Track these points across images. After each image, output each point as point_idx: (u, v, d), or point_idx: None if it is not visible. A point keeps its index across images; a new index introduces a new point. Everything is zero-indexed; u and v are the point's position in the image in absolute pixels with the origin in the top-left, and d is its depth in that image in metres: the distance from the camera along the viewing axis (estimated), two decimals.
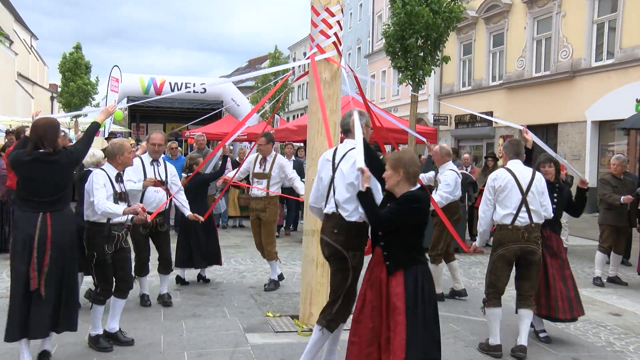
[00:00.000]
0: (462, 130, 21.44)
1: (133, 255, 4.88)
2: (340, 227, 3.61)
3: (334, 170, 3.75)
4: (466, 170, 9.57)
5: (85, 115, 17.68)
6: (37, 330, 3.74)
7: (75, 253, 3.92)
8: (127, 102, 21.44)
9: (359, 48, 34.81)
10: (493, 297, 4.41)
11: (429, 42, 10.27)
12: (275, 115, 16.55)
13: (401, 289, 3.05)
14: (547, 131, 17.59)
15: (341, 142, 3.97)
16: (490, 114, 19.41)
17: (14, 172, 3.93)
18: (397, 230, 3.10)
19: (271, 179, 6.32)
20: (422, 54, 10.29)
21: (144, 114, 22.74)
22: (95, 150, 5.05)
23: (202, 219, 5.74)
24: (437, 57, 10.60)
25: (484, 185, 4.98)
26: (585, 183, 5.00)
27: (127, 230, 4.35)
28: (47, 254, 3.72)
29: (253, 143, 15.63)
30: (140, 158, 5.51)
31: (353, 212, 3.61)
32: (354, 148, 3.60)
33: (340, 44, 4.90)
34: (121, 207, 4.08)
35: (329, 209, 3.72)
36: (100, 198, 4.04)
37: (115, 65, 18.15)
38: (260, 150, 6.40)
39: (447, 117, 21.84)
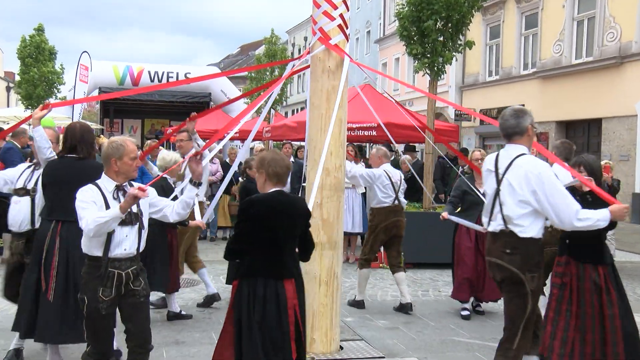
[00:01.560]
0: (488, 127, 21.45)
1: None
2: (514, 245, 3.66)
3: (499, 182, 3.83)
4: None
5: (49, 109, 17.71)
6: (43, 333, 4.31)
7: None
8: (100, 94, 21.57)
9: (369, 32, 34.93)
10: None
11: (449, 25, 10.29)
12: (271, 109, 16.63)
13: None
14: (589, 128, 17.60)
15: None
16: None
17: (43, 178, 4.48)
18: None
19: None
20: (441, 38, 10.30)
21: (119, 108, 22.83)
22: (167, 152, 5.70)
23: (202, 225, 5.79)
24: (459, 42, 10.63)
25: None
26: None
27: (139, 267, 3.65)
28: (55, 259, 4.27)
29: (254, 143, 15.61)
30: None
31: (529, 227, 3.66)
32: (522, 155, 3.78)
33: (347, 27, 4.95)
34: (112, 209, 3.46)
35: (496, 226, 3.78)
36: (89, 218, 3.40)
37: (84, 51, 18.24)
38: (180, 148, 6.47)
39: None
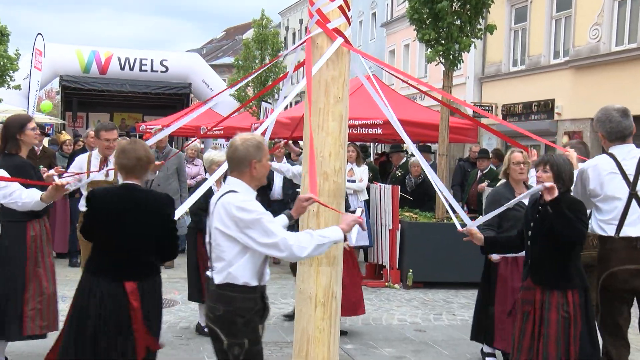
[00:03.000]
0: (512, 124, 21.53)
1: None
2: None
3: (634, 184, 4.49)
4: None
5: (0, 100, 17.72)
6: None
7: None
8: (61, 84, 21.61)
9: (374, 14, 35.05)
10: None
11: (467, 6, 10.35)
12: (263, 103, 16.68)
13: None
14: None
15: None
16: (551, 102, 19.53)
17: None
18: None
19: None
20: (458, 21, 10.35)
21: (84, 99, 22.86)
22: (215, 152, 6.57)
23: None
24: (478, 26, 10.70)
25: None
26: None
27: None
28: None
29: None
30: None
31: None
32: None
33: (349, 9, 5.01)
34: (333, 229, 3.78)
35: (638, 231, 4.40)
36: (295, 237, 3.59)
37: (38, 34, 18.20)
38: (90, 148, 6.90)
39: (491, 107, 22.01)
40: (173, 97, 22.35)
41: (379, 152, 19.91)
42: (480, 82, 23.30)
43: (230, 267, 3.56)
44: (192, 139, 14.24)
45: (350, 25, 5.02)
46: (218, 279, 3.57)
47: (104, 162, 6.51)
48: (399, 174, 11.56)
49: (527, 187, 5.82)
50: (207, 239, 3.75)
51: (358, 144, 11.55)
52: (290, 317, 7.26)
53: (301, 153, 6.60)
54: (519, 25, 21.72)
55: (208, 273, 3.68)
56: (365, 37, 35.93)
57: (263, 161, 3.67)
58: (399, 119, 6.24)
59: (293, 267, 7.47)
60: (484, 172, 11.77)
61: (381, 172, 13.38)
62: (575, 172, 4.59)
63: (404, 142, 15.48)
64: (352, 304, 6.67)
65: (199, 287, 6.41)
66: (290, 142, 7.56)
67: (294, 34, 49.17)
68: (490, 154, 12.58)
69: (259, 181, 3.71)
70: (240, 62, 23.15)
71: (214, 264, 3.62)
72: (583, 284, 4.23)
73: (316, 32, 4.95)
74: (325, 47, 4.88)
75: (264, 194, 10.78)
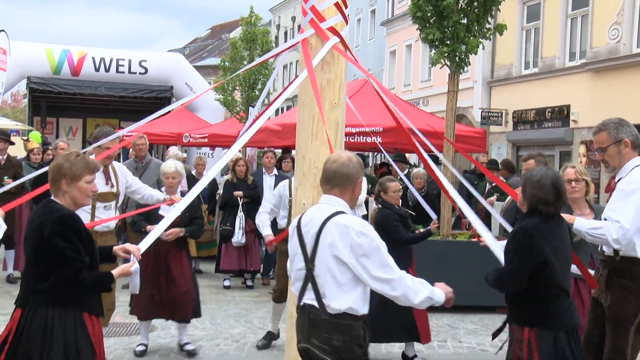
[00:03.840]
0: (523, 132, 21.62)
1: None
2: None
3: None
4: None
5: None
6: None
7: None
8: (28, 86, 21.59)
9: (373, 11, 35.22)
10: None
11: (475, 3, 10.43)
12: (250, 108, 16.71)
13: None
14: None
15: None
16: (566, 109, 19.59)
17: None
18: None
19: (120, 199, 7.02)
20: (465, 20, 10.41)
21: (54, 103, 22.83)
22: (168, 163, 7.31)
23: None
24: (487, 26, 10.76)
25: None
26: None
27: None
28: None
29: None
30: None
31: None
32: None
33: (346, 6, 5.04)
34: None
35: None
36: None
37: (1, 30, 18.16)
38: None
39: (500, 113, 22.08)
40: (153, 101, 22.29)
41: (379, 162, 19.94)
42: (489, 86, 23.36)
43: (345, 294, 3.68)
44: (172, 147, 14.23)
45: (347, 24, 5.06)
46: (333, 308, 3.67)
47: (106, 173, 6.63)
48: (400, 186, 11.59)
49: (591, 206, 5.78)
50: (290, 265, 3.91)
51: (356, 153, 11.57)
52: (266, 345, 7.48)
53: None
54: (531, 25, 21.81)
55: (308, 301, 3.74)
56: (364, 36, 36.05)
57: (360, 180, 3.90)
58: (399, 127, 6.28)
59: (274, 290, 7.55)
60: (493, 185, 11.79)
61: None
62: (579, 228, 4.72)
63: (406, 152, 15.56)
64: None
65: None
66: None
67: (285, 33, 49.34)
68: (500, 165, 12.59)
69: (355, 202, 3.94)
70: (226, 63, 23.15)
71: (324, 290, 3.70)
72: (550, 325, 4.13)
73: (309, 32, 4.97)
74: (320, 48, 4.91)
75: (253, 210, 10.76)
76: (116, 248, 4.37)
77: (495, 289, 4.21)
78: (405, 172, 12.01)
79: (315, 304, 3.70)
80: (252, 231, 10.64)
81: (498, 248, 4.50)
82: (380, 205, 7.14)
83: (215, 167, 4.94)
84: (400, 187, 8.26)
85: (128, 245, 4.36)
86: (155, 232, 4.56)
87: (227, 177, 11.24)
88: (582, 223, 4.76)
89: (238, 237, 10.49)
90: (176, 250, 6.99)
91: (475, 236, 8.58)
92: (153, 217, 6.80)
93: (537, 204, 4.16)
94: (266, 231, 7.56)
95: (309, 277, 3.73)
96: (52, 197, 4.03)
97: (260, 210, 7.91)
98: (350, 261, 3.63)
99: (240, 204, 10.58)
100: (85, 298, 3.94)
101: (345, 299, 3.67)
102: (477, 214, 11.55)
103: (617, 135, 4.78)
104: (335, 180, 3.82)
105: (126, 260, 4.20)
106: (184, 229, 6.91)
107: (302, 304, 3.77)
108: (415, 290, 3.70)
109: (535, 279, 4.06)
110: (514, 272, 4.10)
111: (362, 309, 3.72)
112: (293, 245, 3.86)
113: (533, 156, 6.87)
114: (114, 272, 4.05)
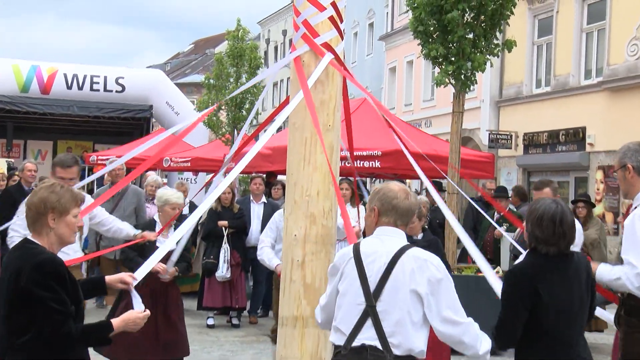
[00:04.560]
0: (535, 156, 21.65)
1: None
2: None
3: None
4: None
5: None
6: None
7: None
8: None
9: (371, 25, 35.45)
10: None
11: (482, 17, 10.52)
12: (238, 130, 16.72)
13: None
14: None
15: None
16: (582, 131, 19.65)
17: None
18: None
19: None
20: (471, 35, 10.50)
21: (21, 124, 22.84)
22: (171, 192, 7.42)
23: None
24: (495, 41, 10.85)
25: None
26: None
27: None
28: None
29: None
30: None
31: None
32: None
33: (342, 20, 5.08)
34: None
35: None
36: None
37: None
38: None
39: (510, 136, 22.12)
40: (130, 122, 22.34)
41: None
42: (497, 106, 23.44)
43: (416, 333, 3.74)
44: (151, 172, 14.22)
45: (343, 39, 5.09)
46: (404, 347, 3.71)
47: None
48: None
49: None
50: (339, 300, 3.88)
51: (351, 179, 11.59)
52: None
53: None
54: (543, 40, 21.90)
55: (367, 341, 3.72)
56: (361, 52, 36.20)
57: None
58: (400, 150, 6.30)
59: (273, 331, 7.49)
60: (502, 214, 11.80)
61: None
62: (601, 278, 4.81)
63: (408, 177, 15.53)
64: None
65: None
66: None
67: (275, 48, 49.62)
68: (510, 193, 12.60)
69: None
70: (211, 81, 23.23)
71: (391, 329, 3.71)
72: None
73: (302, 48, 5.00)
74: (313, 66, 4.93)
75: (238, 241, 10.74)
76: (111, 279, 4.25)
77: (495, 345, 4.07)
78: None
79: (378, 344, 3.70)
80: (238, 264, 10.60)
81: (498, 284, 4.52)
82: None
83: (209, 199, 4.95)
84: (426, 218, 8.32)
85: (124, 276, 4.27)
86: (151, 262, 4.54)
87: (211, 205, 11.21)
88: (603, 273, 4.86)
89: (222, 271, 10.39)
90: (171, 288, 7.06)
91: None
92: (149, 250, 6.81)
93: (536, 243, 4.12)
94: (275, 262, 7.61)
95: (370, 314, 3.74)
96: (29, 237, 3.85)
97: (261, 245, 7.95)
98: (426, 296, 3.73)
99: (225, 234, 10.52)
100: (73, 354, 3.74)
101: (418, 338, 3.73)
102: (484, 246, 11.56)
103: (622, 160, 5.01)
104: (409, 218, 4.02)
105: (123, 292, 4.07)
106: (176, 268, 6.94)
107: (357, 344, 3.74)
108: (482, 340, 3.80)
109: (526, 327, 4.00)
110: (505, 321, 4.06)
111: (424, 353, 3.79)
112: (346, 277, 3.87)
113: (546, 183, 6.89)
114: (116, 322, 3.86)
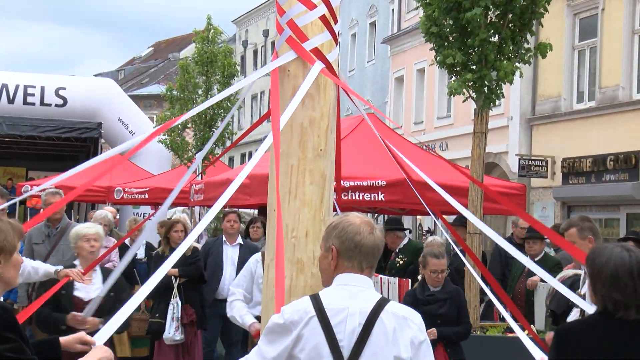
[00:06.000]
0: (576, 187, 21.61)
1: None
2: None
3: None
4: None
5: None
6: None
7: None
8: None
9: (373, 24, 35.53)
10: None
11: (510, 15, 10.57)
12: (199, 154, 16.72)
13: None
14: None
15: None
16: (634, 156, 19.68)
17: None
18: None
19: None
20: (496, 38, 10.55)
21: None
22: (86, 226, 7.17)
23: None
24: (526, 45, 10.89)
25: None
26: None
27: None
28: None
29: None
30: None
31: None
32: None
33: (336, 21, 5.11)
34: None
35: None
36: None
37: None
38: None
39: (545, 162, 22.13)
40: (74, 144, 22.35)
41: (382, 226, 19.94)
42: (529, 125, 23.48)
43: None
44: (104, 206, 14.22)
45: (337, 43, 5.11)
46: None
47: None
48: (401, 262, 11.60)
49: None
50: None
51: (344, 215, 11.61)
52: None
53: None
54: (585, 43, 21.96)
55: None
56: (361, 57, 36.24)
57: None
58: (409, 179, 6.33)
59: None
60: (537, 259, 11.79)
61: (385, 256, 13.41)
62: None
63: (418, 213, 15.43)
64: None
65: None
66: None
67: (255, 52, 49.75)
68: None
69: None
70: (175, 93, 23.29)
71: None
72: None
73: (287, 55, 5.03)
74: (301, 77, 4.94)
75: (193, 293, 10.58)
76: (67, 340, 4.26)
77: None
78: (404, 242, 12.00)
79: None
80: (193, 323, 10.45)
81: (537, 350, 4.50)
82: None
83: (187, 240, 4.93)
84: (447, 267, 8.33)
85: (83, 335, 4.29)
86: (119, 318, 4.50)
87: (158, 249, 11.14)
88: None
89: (170, 332, 10.15)
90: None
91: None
92: (66, 301, 6.77)
93: (613, 308, 3.94)
94: (249, 319, 7.57)
95: None
96: None
97: (231, 298, 7.92)
98: None
99: (175, 285, 10.35)
100: None
101: None
102: (514, 299, 11.58)
103: None
104: (374, 259, 3.95)
105: (82, 353, 4.06)
106: (100, 320, 6.72)
107: None
108: None
109: None
110: None
111: None
112: (307, 343, 3.78)
113: (573, 223, 6.73)
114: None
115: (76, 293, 6.77)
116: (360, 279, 3.88)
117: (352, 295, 3.82)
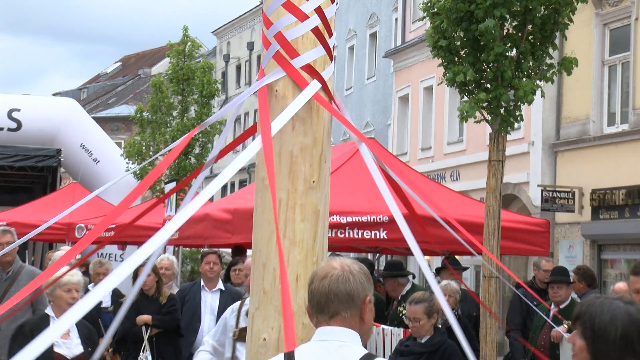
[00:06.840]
0: (608, 223, 21.64)
1: None
2: None
3: None
4: None
5: None
6: None
7: None
8: None
9: (373, 36, 35.69)
10: None
11: (529, 26, 10.63)
12: (166, 186, 16.75)
13: None
14: None
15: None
16: None
17: None
18: None
19: None
20: (514, 52, 10.60)
21: None
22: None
23: None
24: (548, 61, 10.94)
25: None
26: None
27: None
28: None
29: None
30: None
31: None
32: None
33: (331, 34, 5.13)
34: None
35: None
36: None
37: None
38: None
39: (572, 194, 22.14)
40: (29, 174, 22.35)
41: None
42: (553, 152, 23.54)
43: None
44: (61, 245, 14.19)
45: (332, 59, 5.12)
46: None
47: None
48: (405, 311, 11.59)
49: None
50: None
51: (352, 256, 11.59)
52: None
53: None
54: (617, 57, 22.06)
55: None
56: (360, 74, 36.36)
57: (368, 299, 3.92)
58: (415, 215, 6.33)
59: None
60: (562, 307, 11.77)
61: (387, 304, 13.39)
62: None
63: (424, 254, 15.59)
64: None
65: None
66: None
67: (238, 67, 49.94)
68: (573, 276, 12.60)
69: (368, 334, 3.98)
70: (146, 114, 23.34)
71: None
72: None
73: (274, 73, 5.03)
74: (290, 98, 4.96)
75: (167, 346, 10.55)
76: None
77: None
78: (407, 288, 11.98)
79: None
80: None
81: None
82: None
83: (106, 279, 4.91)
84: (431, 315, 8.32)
85: None
86: None
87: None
88: None
89: None
90: None
91: None
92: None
93: None
94: None
95: None
96: None
97: (198, 350, 7.86)
98: None
99: (146, 337, 10.30)
100: None
101: None
102: (537, 351, 11.58)
103: None
104: (333, 306, 3.87)
105: None
106: None
107: None
108: None
109: None
110: None
111: None
112: None
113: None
114: None
115: (57, 349, 6.76)
116: (343, 332, 3.84)
117: (329, 352, 3.79)
